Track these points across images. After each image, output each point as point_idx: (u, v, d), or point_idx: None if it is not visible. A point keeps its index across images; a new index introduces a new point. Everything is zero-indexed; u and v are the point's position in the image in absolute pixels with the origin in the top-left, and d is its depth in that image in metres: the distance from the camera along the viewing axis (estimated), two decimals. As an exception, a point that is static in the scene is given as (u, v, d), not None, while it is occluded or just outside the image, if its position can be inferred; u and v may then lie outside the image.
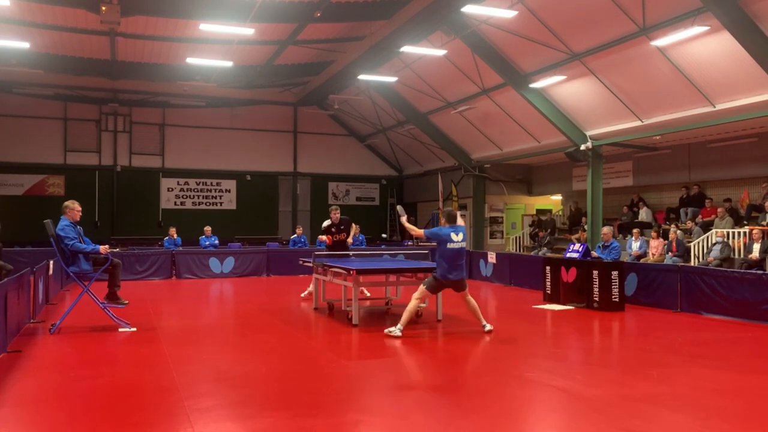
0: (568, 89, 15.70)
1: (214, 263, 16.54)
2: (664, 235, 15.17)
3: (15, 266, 11.88)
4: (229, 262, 16.71)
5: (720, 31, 11.44)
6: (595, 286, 10.59)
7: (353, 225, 12.48)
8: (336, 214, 11.73)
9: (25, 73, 19.45)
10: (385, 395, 5.40)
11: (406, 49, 15.53)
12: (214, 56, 17.36)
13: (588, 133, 16.59)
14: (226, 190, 25.13)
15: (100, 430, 4.36)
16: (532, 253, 18.11)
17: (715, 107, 13.17)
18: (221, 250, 17.37)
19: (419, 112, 21.50)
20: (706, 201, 15.82)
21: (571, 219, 20.04)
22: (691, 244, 14.57)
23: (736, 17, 10.94)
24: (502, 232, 23.22)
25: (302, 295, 12.36)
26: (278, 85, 22.90)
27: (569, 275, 11.25)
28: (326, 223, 11.94)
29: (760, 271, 10.45)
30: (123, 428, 4.37)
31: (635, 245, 15.35)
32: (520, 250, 21.12)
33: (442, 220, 8.22)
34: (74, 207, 8.27)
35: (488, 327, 8.19)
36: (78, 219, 8.28)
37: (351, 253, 11.72)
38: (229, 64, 17.50)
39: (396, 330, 7.86)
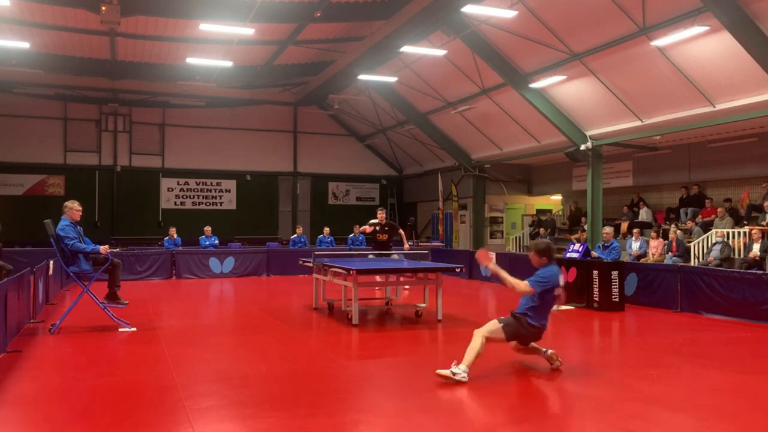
0: (568, 89, 15.70)
1: (214, 263, 16.54)
2: (664, 235, 15.16)
3: (15, 266, 11.90)
4: (229, 262, 16.71)
5: (720, 31, 11.44)
6: (595, 286, 10.59)
7: (401, 231, 12.87)
8: (382, 215, 12.53)
9: (25, 73, 19.45)
10: (385, 395, 5.40)
11: (406, 49, 15.54)
12: (214, 56, 17.38)
13: (588, 133, 16.59)
14: (226, 190, 25.13)
15: (100, 430, 4.36)
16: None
17: (715, 107, 13.17)
18: (221, 250, 17.37)
19: (419, 112, 21.49)
20: (706, 201, 15.82)
21: (571, 219, 20.04)
22: (691, 244, 14.56)
23: (736, 17, 10.93)
24: (502, 232, 23.20)
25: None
26: (278, 85, 22.90)
27: (569, 275, 11.24)
28: (373, 221, 12.56)
29: (760, 271, 10.45)
30: (123, 428, 4.37)
31: (635, 245, 15.33)
32: (520, 250, 21.10)
33: (540, 258, 5.97)
34: (74, 207, 8.27)
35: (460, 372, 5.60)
36: (78, 219, 8.28)
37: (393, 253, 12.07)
38: (229, 64, 17.53)
39: (459, 371, 5.46)
